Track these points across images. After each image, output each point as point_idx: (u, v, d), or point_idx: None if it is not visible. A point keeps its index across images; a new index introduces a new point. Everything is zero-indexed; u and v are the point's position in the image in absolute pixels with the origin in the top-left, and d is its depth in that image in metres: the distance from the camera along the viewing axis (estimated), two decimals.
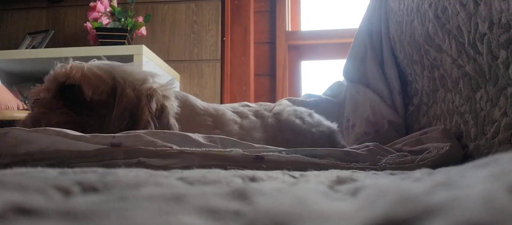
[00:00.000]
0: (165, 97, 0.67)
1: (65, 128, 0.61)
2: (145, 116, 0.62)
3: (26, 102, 1.28)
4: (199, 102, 0.74)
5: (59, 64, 0.69)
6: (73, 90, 0.65)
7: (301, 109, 0.83)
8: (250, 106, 0.80)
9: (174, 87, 0.72)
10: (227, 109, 0.75)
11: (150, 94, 0.65)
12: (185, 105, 0.71)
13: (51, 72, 0.68)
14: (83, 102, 0.64)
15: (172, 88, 0.70)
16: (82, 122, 0.63)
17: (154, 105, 0.64)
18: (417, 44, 0.76)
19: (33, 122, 0.63)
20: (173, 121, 0.65)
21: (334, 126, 0.83)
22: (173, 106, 0.67)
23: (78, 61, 0.70)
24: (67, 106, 0.65)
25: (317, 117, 0.83)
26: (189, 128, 0.67)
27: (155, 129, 0.62)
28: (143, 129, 0.61)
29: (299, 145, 0.60)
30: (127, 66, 0.70)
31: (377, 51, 0.98)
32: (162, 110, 0.65)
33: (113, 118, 0.63)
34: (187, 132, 0.63)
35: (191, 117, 0.70)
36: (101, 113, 0.65)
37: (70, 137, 0.49)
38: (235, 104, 0.82)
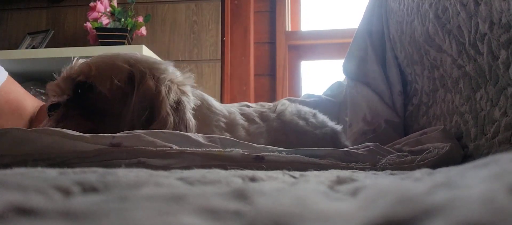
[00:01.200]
0: (183, 92, 0.66)
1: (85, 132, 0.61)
2: (165, 107, 0.61)
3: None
4: (215, 103, 0.73)
5: (74, 61, 0.67)
6: (88, 92, 0.64)
7: (306, 109, 0.82)
8: (252, 107, 0.80)
9: (192, 83, 0.71)
10: (237, 113, 0.74)
11: (169, 85, 0.64)
12: (202, 104, 0.70)
13: (65, 70, 0.67)
14: (98, 103, 0.64)
15: (189, 84, 0.69)
16: (99, 129, 0.63)
17: (172, 97, 0.63)
18: (417, 44, 0.76)
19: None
20: (189, 116, 0.64)
21: (338, 127, 0.83)
22: (189, 101, 0.66)
23: (90, 58, 0.68)
24: (82, 113, 0.64)
25: (322, 117, 0.82)
26: (203, 127, 0.67)
27: (174, 122, 0.61)
28: (163, 121, 0.60)
29: (301, 146, 0.60)
30: (146, 56, 0.68)
31: (378, 51, 0.98)
32: (178, 104, 0.64)
33: (131, 108, 0.62)
34: (201, 130, 0.63)
35: (207, 116, 0.69)
36: (117, 110, 0.63)
37: (70, 137, 0.49)
38: (237, 104, 0.81)
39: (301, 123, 0.77)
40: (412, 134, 0.71)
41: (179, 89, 0.66)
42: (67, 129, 0.61)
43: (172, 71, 0.68)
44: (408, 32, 0.80)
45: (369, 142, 0.60)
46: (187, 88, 0.68)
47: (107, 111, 0.64)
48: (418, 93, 0.84)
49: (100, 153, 0.47)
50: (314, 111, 0.83)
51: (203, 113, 0.69)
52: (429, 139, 0.61)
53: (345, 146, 0.77)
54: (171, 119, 0.61)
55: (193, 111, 0.66)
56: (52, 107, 0.66)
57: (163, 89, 0.62)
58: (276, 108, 0.79)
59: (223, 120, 0.70)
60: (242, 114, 0.74)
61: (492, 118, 0.55)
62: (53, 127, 0.63)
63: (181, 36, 1.91)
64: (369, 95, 0.94)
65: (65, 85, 0.66)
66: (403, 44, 0.85)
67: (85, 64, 0.65)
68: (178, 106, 0.63)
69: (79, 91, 0.65)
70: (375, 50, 0.97)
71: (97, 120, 0.64)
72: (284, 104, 0.82)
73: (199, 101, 0.69)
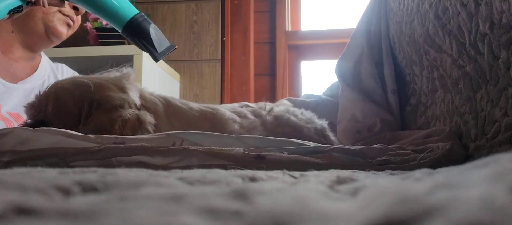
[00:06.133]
0: (141, 122, 0.66)
1: None
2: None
3: None
4: (191, 105, 0.73)
5: (36, 93, 0.70)
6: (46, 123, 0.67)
7: (292, 108, 0.85)
8: (249, 106, 0.81)
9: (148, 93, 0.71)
10: (225, 109, 0.75)
11: (125, 120, 0.64)
12: (173, 113, 0.70)
13: (28, 103, 0.70)
14: None
15: (150, 113, 0.69)
16: None
17: (128, 133, 0.64)
18: (417, 45, 0.76)
19: None
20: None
21: (325, 123, 0.86)
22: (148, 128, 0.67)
23: (61, 80, 0.71)
24: None
25: (309, 114, 0.85)
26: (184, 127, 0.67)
27: None
28: None
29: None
30: (104, 89, 0.68)
31: (375, 51, 0.98)
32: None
33: None
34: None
35: (183, 124, 0.69)
36: None
37: (74, 137, 0.49)
38: (235, 105, 0.82)
39: (292, 118, 0.79)
40: (416, 135, 0.70)
41: (134, 127, 0.65)
42: None
43: (132, 104, 0.67)
44: (408, 32, 0.80)
45: (365, 140, 0.60)
46: (145, 116, 0.67)
47: None
48: (416, 94, 0.84)
49: (103, 150, 0.47)
50: (301, 110, 0.85)
51: (179, 123, 0.70)
52: (434, 141, 0.61)
53: (333, 141, 0.81)
54: None
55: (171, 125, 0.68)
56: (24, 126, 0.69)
57: (119, 123, 0.63)
58: (265, 106, 0.81)
59: (206, 123, 0.71)
60: (233, 111, 0.75)
61: (493, 118, 0.55)
62: None
63: (181, 36, 1.91)
64: (354, 96, 0.95)
65: (33, 113, 0.70)
66: (402, 44, 0.85)
67: (44, 101, 0.68)
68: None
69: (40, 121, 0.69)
70: (372, 49, 0.98)
71: None
72: (270, 105, 0.84)
73: (166, 111, 0.70)
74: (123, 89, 0.69)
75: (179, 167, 0.45)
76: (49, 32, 1.01)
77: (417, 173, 0.32)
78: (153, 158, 0.47)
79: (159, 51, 0.79)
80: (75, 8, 1.03)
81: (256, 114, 0.77)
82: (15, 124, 0.96)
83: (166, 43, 0.81)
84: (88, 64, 1.62)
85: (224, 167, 0.43)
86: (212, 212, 0.16)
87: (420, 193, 0.17)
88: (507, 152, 0.35)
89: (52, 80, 1.09)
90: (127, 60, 1.49)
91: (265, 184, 0.27)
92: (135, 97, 0.69)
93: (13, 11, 0.75)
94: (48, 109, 0.67)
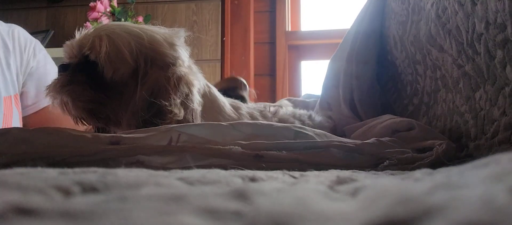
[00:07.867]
0: (191, 84, 0.65)
1: (85, 105, 0.63)
2: (176, 96, 0.61)
3: None
4: (227, 106, 0.73)
5: (88, 29, 0.67)
6: (95, 64, 0.63)
7: (301, 112, 0.83)
8: (252, 107, 0.81)
9: (201, 78, 0.71)
10: (244, 114, 0.75)
11: (179, 77, 0.63)
12: (212, 105, 0.70)
13: (78, 37, 0.66)
14: (103, 77, 0.63)
15: (197, 78, 0.69)
16: (102, 101, 0.63)
17: (184, 89, 0.63)
18: (420, 44, 0.76)
19: (57, 92, 0.65)
20: (196, 112, 0.64)
21: (332, 124, 0.85)
22: (196, 95, 0.66)
23: (109, 24, 0.67)
24: (88, 80, 0.64)
25: (318, 118, 0.83)
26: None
27: (183, 113, 0.62)
28: (170, 113, 0.60)
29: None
30: (158, 45, 0.66)
31: (361, 52, 0.99)
32: (186, 99, 0.64)
33: (137, 101, 0.62)
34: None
35: (215, 117, 0.69)
36: (120, 90, 0.63)
37: (71, 137, 0.49)
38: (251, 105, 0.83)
39: (297, 123, 0.78)
40: (372, 123, 0.71)
41: (188, 83, 0.65)
42: (71, 94, 0.63)
43: (182, 62, 0.67)
44: (413, 32, 0.80)
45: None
46: (195, 82, 0.67)
47: (111, 87, 0.64)
48: (419, 94, 0.84)
49: (99, 152, 0.47)
50: (309, 113, 0.83)
51: (213, 116, 0.69)
52: (411, 137, 0.61)
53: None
54: (179, 115, 0.61)
55: (200, 108, 0.67)
56: (61, 68, 0.67)
57: (173, 81, 0.62)
58: (270, 108, 0.80)
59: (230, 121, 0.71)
60: (247, 113, 0.75)
61: (492, 117, 0.55)
62: (59, 91, 0.64)
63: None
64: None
65: (77, 50, 0.66)
66: (404, 44, 0.85)
67: (97, 38, 0.64)
68: (185, 102, 0.63)
69: (88, 59, 0.65)
70: (353, 50, 0.99)
71: (101, 91, 0.64)
72: (276, 106, 0.83)
73: (208, 102, 0.70)
74: (173, 47, 0.67)
75: (179, 167, 0.45)
76: None
77: (417, 173, 0.32)
78: (151, 157, 0.47)
79: None
80: None
81: (264, 115, 0.77)
82: None
83: None
84: None
85: (224, 167, 0.43)
86: (212, 212, 0.16)
87: (420, 193, 0.17)
88: (506, 151, 0.35)
89: (1, 46, 1.03)
90: None
91: (265, 184, 0.27)
92: (184, 56, 0.68)
93: None
94: (101, 49, 0.62)
